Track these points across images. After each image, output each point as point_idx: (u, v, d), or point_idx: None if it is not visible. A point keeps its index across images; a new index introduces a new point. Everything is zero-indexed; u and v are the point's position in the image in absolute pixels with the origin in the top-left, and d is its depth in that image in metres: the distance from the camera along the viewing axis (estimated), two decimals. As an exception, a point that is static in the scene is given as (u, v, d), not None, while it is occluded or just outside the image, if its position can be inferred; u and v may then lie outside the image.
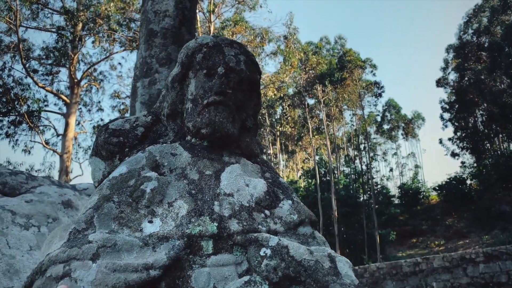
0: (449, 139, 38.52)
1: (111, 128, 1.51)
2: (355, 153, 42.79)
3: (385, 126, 45.91)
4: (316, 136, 39.20)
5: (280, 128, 39.84)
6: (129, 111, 2.97)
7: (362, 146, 40.95)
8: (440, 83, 39.60)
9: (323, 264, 1.10)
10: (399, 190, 39.84)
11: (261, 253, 1.12)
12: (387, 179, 49.46)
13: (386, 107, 44.64)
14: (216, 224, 1.17)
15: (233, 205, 1.26)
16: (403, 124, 46.40)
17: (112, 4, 19.38)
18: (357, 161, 41.17)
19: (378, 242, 28.83)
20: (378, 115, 44.37)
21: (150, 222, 1.15)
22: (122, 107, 23.60)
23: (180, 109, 1.56)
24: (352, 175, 38.36)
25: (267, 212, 1.32)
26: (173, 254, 1.06)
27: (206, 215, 1.19)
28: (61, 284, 0.88)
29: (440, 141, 39.86)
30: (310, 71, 31.94)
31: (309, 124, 34.46)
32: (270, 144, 44.46)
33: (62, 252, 0.98)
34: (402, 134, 47.42)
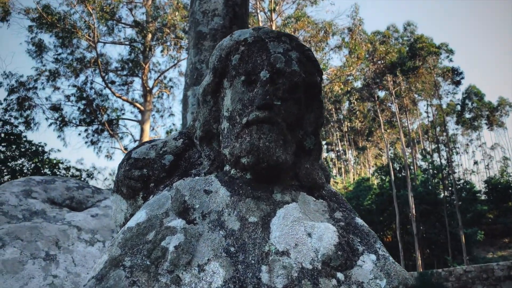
0: (545, 126, 34.08)
1: (133, 157, 1.20)
2: (433, 146, 39.80)
3: (467, 115, 42.00)
4: (388, 130, 37.17)
5: (348, 124, 38.44)
6: (181, 123, 2.74)
7: (440, 139, 37.96)
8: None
9: None
10: (486, 185, 36.36)
11: None
12: (471, 173, 45.42)
13: (466, 94, 40.83)
14: None
15: (289, 270, 0.89)
16: (487, 112, 42.06)
17: (177, 13, 20.04)
18: (436, 155, 38.30)
19: (463, 242, 26.53)
20: (458, 104, 40.77)
21: None
22: (191, 111, 24.40)
23: (216, 129, 1.21)
24: (431, 170, 35.77)
25: (340, 276, 0.92)
26: None
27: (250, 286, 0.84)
28: None
29: (534, 129, 35.45)
30: (379, 62, 30.23)
31: (380, 117, 32.71)
32: (338, 141, 43.17)
33: None
34: (486, 124, 43.05)
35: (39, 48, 20.54)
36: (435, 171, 35.22)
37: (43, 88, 21.09)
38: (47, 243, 3.23)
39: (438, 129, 37.95)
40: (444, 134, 36.62)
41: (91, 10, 19.38)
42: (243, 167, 1.10)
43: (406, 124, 35.32)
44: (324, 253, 0.94)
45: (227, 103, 1.16)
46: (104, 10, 19.26)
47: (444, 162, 35.41)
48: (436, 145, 38.78)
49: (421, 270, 20.53)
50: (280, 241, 0.95)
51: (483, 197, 35.86)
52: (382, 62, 29.94)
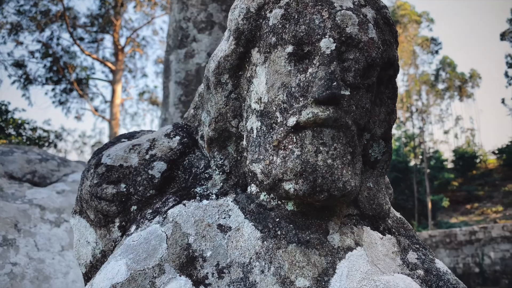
0: (514, 98, 35.14)
1: (104, 163, 0.79)
2: (406, 115, 40.55)
3: (440, 86, 42.68)
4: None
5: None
6: (162, 93, 2.30)
7: (413, 108, 38.61)
8: (505, 36, 35.71)
9: None
10: (454, 154, 37.77)
11: None
12: (441, 143, 47.02)
13: (440, 65, 41.28)
14: None
15: None
16: (459, 83, 42.86)
17: (151, -35, 18.67)
18: (409, 124, 39.10)
19: (429, 208, 27.88)
20: (433, 74, 41.28)
21: None
22: (165, 73, 23.56)
23: (235, 127, 0.80)
24: (403, 139, 36.71)
25: None
26: None
27: None
28: None
29: (503, 101, 36.55)
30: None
31: (358, 85, 32.83)
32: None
33: None
34: (457, 95, 43.95)
35: (-2, -2, 18.85)
36: (407, 140, 36.14)
37: (4, 43, 19.57)
38: (4, 225, 2.83)
39: (412, 98, 38.52)
40: (419, 103, 37.25)
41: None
42: (285, 196, 0.71)
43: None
44: None
45: (259, 89, 0.75)
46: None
47: (416, 131, 36.20)
48: (409, 115, 39.56)
49: (389, 235, 21.34)
50: None
51: (450, 166, 37.33)
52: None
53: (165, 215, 0.75)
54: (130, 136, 0.87)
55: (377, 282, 0.66)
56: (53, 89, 21.09)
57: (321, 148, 0.67)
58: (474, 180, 33.61)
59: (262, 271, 0.67)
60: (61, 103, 21.48)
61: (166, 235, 0.71)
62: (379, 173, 0.84)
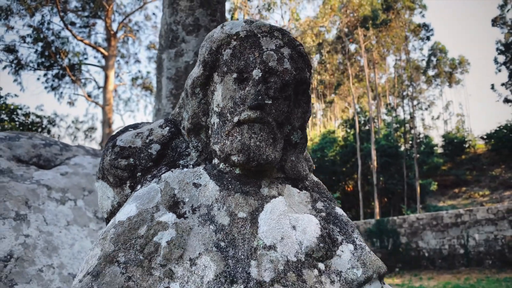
0: (503, 84, 35.64)
1: (118, 145, 1.19)
2: (397, 101, 40.94)
3: (430, 72, 43.08)
4: (356, 84, 37.64)
5: (318, 77, 38.49)
6: (155, 87, 2.65)
7: (404, 94, 38.96)
8: (496, 22, 35.95)
9: None
10: (443, 139, 38.30)
11: None
12: (430, 128, 47.53)
13: (431, 51, 41.56)
14: None
15: (276, 264, 0.96)
16: (450, 70, 43.29)
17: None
18: (400, 109, 39.49)
19: (418, 192, 28.38)
20: (423, 59, 41.55)
21: None
22: (158, 58, 23.53)
23: (204, 122, 1.20)
24: (394, 124, 37.06)
25: (321, 266, 1.00)
26: None
27: (241, 283, 0.90)
28: None
29: (492, 87, 37.01)
30: (351, 15, 29.83)
31: (349, 71, 32.93)
32: (308, 93, 43.20)
33: None
34: (447, 80, 44.44)
35: (-12, -19, 18.61)
36: (398, 125, 36.55)
37: (-5, 29, 19.41)
38: (17, 203, 3.17)
39: (404, 84, 38.78)
40: (410, 89, 37.60)
41: None
42: (233, 164, 1.12)
43: (374, 78, 35.83)
44: (307, 246, 1.01)
45: (218, 99, 1.15)
46: None
47: (407, 117, 36.71)
48: (400, 100, 39.88)
49: (378, 218, 21.95)
50: (267, 235, 1.01)
51: (439, 151, 37.86)
52: (355, 15, 29.57)
53: (159, 178, 1.14)
54: (135, 126, 1.26)
55: (290, 217, 1.05)
56: (45, 75, 21.02)
57: (253, 135, 1.07)
58: (463, 165, 34.21)
59: (219, 209, 1.07)
60: (53, 88, 21.46)
61: (160, 189, 1.10)
62: (299, 151, 1.25)
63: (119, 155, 1.17)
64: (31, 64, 20.40)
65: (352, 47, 34.43)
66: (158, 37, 2.68)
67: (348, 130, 34.67)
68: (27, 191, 3.33)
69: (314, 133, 40.80)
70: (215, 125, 1.16)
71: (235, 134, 1.08)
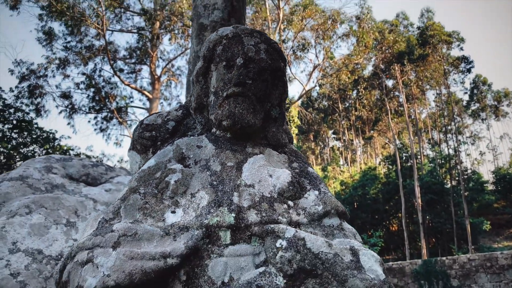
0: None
1: (145, 123, 1.60)
2: (440, 136, 39.70)
3: (474, 106, 41.72)
4: (395, 120, 37.12)
5: (355, 113, 38.45)
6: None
7: (448, 128, 37.79)
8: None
9: (342, 258, 1.05)
10: (494, 175, 36.16)
11: (277, 244, 1.10)
12: (478, 164, 45.21)
13: (473, 84, 40.45)
14: (234, 215, 1.18)
15: (253, 196, 1.26)
16: (495, 103, 41.73)
17: (184, 1, 20.25)
18: (443, 144, 38.15)
19: (469, 231, 26.56)
20: (466, 92, 40.46)
21: (173, 212, 1.21)
22: (198, 99, 24.76)
23: (205, 102, 1.57)
24: (438, 160, 35.61)
25: (290, 203, 1.30)
26: (191, 244, 1.10)
27: (225, 206, 1.21)
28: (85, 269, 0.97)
29: (544, 119, 35.00)
30: (387, 51, 30.13)
31: (388, 106, 32.70)
32: (346, 130, 43.18)
33: (88, 240, 1.07)
34: (493, 113, 42.72)
35: (49, 36, 20.85)
36: (442, 161, 35.13)
37: (53, 76, 21.46)
38: (68, 211, 3.63)
39: (446, 118, 37.73)
40: (452, 123, 36.47)
41: (100, -1, 19.62)
42: (224, 128, 1.48)
43: (414, 113, 35.27)
44: (279, 187, 1.31)
45: (213, 82, 1.53)
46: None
47: (451, 152, 35.36)
48: (443, 135, 38.62)
49: (425, 258, 20.86)
50: (248, 178, 1.32)
51: (490, 188, 35.70)
52: (390, 51, 29.84)
53: (172, 143, 1.50)
54: (156, 113, 1.65)
55: (268, 168, 1.35)
56: (95, 117, 22.67)
57: (237, 105, 1.43)
58: (518, 203, 31.96)
59: (214, 161, 1.40)
60: (102, 130, 23.04)
61: (172, 149, 1.46)
62: (279, 124, 1.60)
63: (145, 129, 1.57)
64: (83, 108, 22.14)
65: (390, 82, 34.43)
66: (187, 63, 3.14)
67: (390, 167, 33.87)
68: (77, 203, 3.81)
69: (354, 170, 40.19)
70: (212, 101, 1.53)
71: (224, 105, 1.44)
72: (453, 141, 38.33)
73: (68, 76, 22.05)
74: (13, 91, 19.76)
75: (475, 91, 40.86)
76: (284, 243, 1.09)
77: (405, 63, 29.81)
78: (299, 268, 1.04)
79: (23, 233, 3.28)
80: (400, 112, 36.56)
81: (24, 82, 20.59)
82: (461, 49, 33.65)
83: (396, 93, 35.08)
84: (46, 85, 21.19)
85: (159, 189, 1.28)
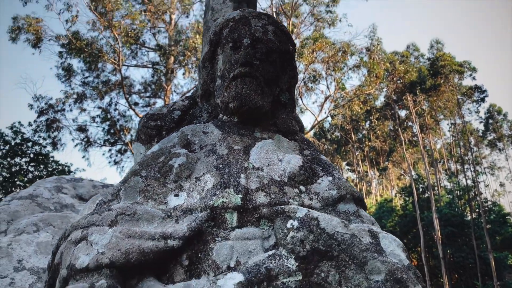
0: None
1: (150, 113, 1.55)
2: (457, 166, 38.83)
3: (490, 136, 40.98)
4: (410, 150, 36.60)
5: (369, 144, 38.15)
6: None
7: (465, 159, 36.98)
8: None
9: (361, 239, 0.94)
10: (516, 206, 34.89)
11: (288, 225, 1.01)
12: (499, 195, 43.88)
13: (488, 114, 39.93)
14: (241, 196, 1.10)
15: (261, 179, 1.18)
16: (511, 132, 40.94)
17: (197, 36, 20.89)
18: (461, 175, 37.20)
19: (493, 266, 25.31)
20: (481, 122, 39.91)
21: (176, 195, 1.13)
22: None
23: (212, 88, 1.52)
24: (456, 191, 34.60)
25: (302, 188, 1.20)
26: (194, 225, 1.01)
27: (231, 187, 1.13)
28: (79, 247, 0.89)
29: None
30: (398, 81, 30.22)
31: (402, 136, 32.35)
32: (360, 161, 42.74)
33: (83, 218, 1.00)
34: (511, 143, 41.78)
35: (68, 73, 21.56)
36: (460, 192, 34.13)
37: (71, 110, 21.94)
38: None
39: (462, 149, 37.05)
40: (469, 153, 35.75)
41: (117, 35, 20.38)
42: (231, 111, 1.41)
43: (429, 143, 34.79)
44: (290, 171, 1.22)
45: (220, 65, 1.48)
46: (129, 35, 20.24)
47: (470, 182, 34.40)
48: (461, 166, 37.78)
49: (447, 294, 19.80)
50: (256, 161, 1.24)
51: (513, 220, 34.35)
52: (402, 81, 29.93)
53: (178, 130, 1.43)
54: (164, 105, 1.60)
55: (278, 153, 1.27)
56: (109, 150, 22.89)
57: (244, 86, 1.36)
58: (544, 236, 30.61)
59: (220, 145, 1.33)
60: (116, 163, 23.19)
61: (177, 135, 1.40)
62: (289, 110, 1.51)
63: (150, 119, 1.52)
64: (98, 141, 22.44)
65: (402, 113, 34.27)
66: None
67: (406, 198, 33.01)
68: (86, 222, 3.73)
69: (369, 202, 39.30)
70: (218, 85, 1.47)
71: (231, 87, 1.38)
72: (470, 171, 37.42)
73: (85, 110, 22.53)
74: (31, 125, 20.26)
75: (490, 120, 40.32)
76: (296, 223, 1.00)
77: (418, 93, 29.76)
78: (313, 249, 0.94)
79: (30, 251, 3.21)
80: (414, 143, 36.11)
81: (42, 116, 21.11)
82: (474, 78, 33.51)
83: (410, 123, 34.82)
84: (63, 119, 21.70)
85: (162, 173, 1.21)
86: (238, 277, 0.88)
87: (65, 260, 0.92)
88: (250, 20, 1.47)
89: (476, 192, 32.47)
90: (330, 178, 1.25)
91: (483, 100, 34.65)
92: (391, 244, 0.95)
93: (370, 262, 0.89)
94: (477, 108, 35.68)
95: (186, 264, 0.97)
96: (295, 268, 0.92)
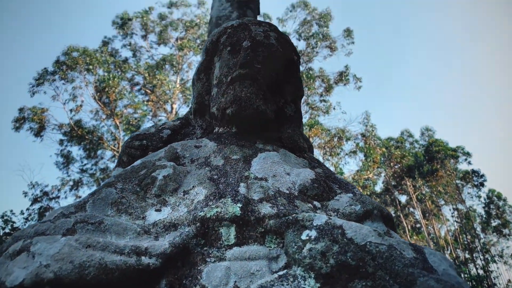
0: None
1: (135, 133, 1.36)
2: (466, 255, 37.11)
3: (494, 222, 39.94)
4: (415, 237, 35.33)
5: (371, 230, 36.86)
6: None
7: (472, 246, 35.51)
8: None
9: (402, 252, 0.69)
10: (533, 298, 32.62)
11: (303, 236, 0.76)
12: (514, 285, 41.29)
13: (488, 200, 39.42)
14: (240, 205, 0.86)
15: (266, 189, 0.94)
16: (515, 217, 39.97)
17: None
18: (470, 264, 35.35)
19: None
20: (484, 207, 39.24)
21: (158, 210, 0.89)
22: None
23: (207, 100, 1.36)
24: (468, 282, 32.49)
25: (316, 203, 0.95)
26: (178, 241, 0.76)
27: (228, 197, 0.89)
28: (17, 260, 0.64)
29: None
30: (396, 166, 30.38)
31: (404, 223, 31.47)
32: (363, 249, 40.82)
33: (30, 227, 0.75)
34: (518, 229, 40.48)
35: (67, 160, 21.65)
36: (473, 283, 32.13)
37: (65, 197, 21.56)
38: None
39: (468, 236, 35.80)
40: (476, 241, 34.47)
41: (118, 124, 20.95)
42: (228, 119, 1.21)
43: (433, 230, 33.71)
44: (300, 184, 0.98)
45: (216, 73, 1.33)
46: (130, 123, 20.82)
47: (481, 272, 32.51)
48: (469, 253, 36.15)
49: None
50: (259, 171, 1.01)
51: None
52: (399, 166, 30.11)
53: (166, 147, 1.21)
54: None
55: (284, 166, 1.03)
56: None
57: (243, 89, 1.19)
58: None
59: (215, 156, 1.10)
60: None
61: (165, 150, 1.17)
62: (295, 124, 1.32)
63: (134, 138, 1.32)
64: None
65: (403, 198, 33.83)
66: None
67: (415, 289, 30.83)
68: None
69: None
70: (214, 94, 1.31)
71: (228, 91, 1.21)
72: (480, 260, 35.71)
73: (80, 197, 22.16)
74: (23, 213, 19.69)
75: (491, 206, 39.69)
76: (314, 233, 0.75)
77: (416, 177, 29.73)
78: (339, 264, 0.67)
79: None
80: (418, 229, 35.04)
81: (35, 204, 20.64)
82: (469, 163, 33.77)
83: (411, 209, 34.19)
84: (57, 206, 21.22)
85: (143, 186, 0.97)
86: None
87: (-7, 280, 0.65)
88: (250, 26, 1.37)
89: (489, 283, 30.57)
90: (350, 195, 1.01)
91: (482, 184, 34.42)
92: (442, 263, 0.70)
93: (420, 280, 0.63)
94: (477, 192, 35.35)
95: (165, 292, 0.70)
96: (316, 291, 0.66)
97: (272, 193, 0.94)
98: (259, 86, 1.23)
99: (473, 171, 34.09)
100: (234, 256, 0.78)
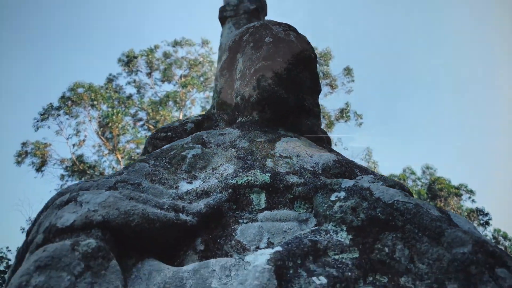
0: None
1: (161, 127, 1.43)
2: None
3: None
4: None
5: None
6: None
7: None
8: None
9: (428, 210, 0.73)
10: None
11: (332, 197, 0.79)
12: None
13: (494, 240, 38.66)
14: (269, 175, 0.90)
15: (291, 165, 0.99)
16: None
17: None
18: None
19: None
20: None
21: (189, 183, 0.93)
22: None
23: (230, 94, 1.43)
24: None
25: None
26: (212, 202, 0.79)
27: (257, 169, 0.94)
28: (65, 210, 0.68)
29: None
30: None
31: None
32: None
33: (74, 185, 0.79)
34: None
35: (69, 195, 21.51)
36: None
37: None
38: None
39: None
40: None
41: (120, 158, 21.02)
42: (252, 106, 1.29)
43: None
44: (323, 163, 1.03)
45: (240, 67, 1.42)
46: (132, 157, 20.89)
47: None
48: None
49: None
50: (283, 152, 1.06)
51: None
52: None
53: (192, 135, 1.27)
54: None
55: (307, 150, 1.08)
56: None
57: (267, 79, 1.27)
58: None
59: (240, 140, 1.15)
60: None
61: (191, 136, 1.23)
62: (313, 117, 1.39)
63: (160, 131, 1.37)
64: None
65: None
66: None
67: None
68: None
69: None
70: (237, 86, 1.39)
71: (252, 81, 1.29)
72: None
73: (80, 233, 21.81)
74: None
75: (500, 247, 38.79)
76: (342, 193, 0.79)
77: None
78: (369, 218, 0.71)
79: None
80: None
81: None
82: (473, 201, 33.49)
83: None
84: (55, 242, 20.81)
85: (173, 163, 1.02)
86: (273, 250, 0.64)
87: (43, 225, 0.68)
88: (271, 26, 1.47)
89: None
90: (371, 175, 1.06)
91: (487, 223, 33.89)
92: (466, 224, 0.73)
93: (448, 232, 0.66)
94: (483, 232, 34.74)
95: (201, 249, 0.73)
96: (349, 242, 0.68)
97: (298, 168, 0.99)
98: (281, 77, 1.32)
99: (478, 210, 33.64)
100: (266, 218, 0.81)
